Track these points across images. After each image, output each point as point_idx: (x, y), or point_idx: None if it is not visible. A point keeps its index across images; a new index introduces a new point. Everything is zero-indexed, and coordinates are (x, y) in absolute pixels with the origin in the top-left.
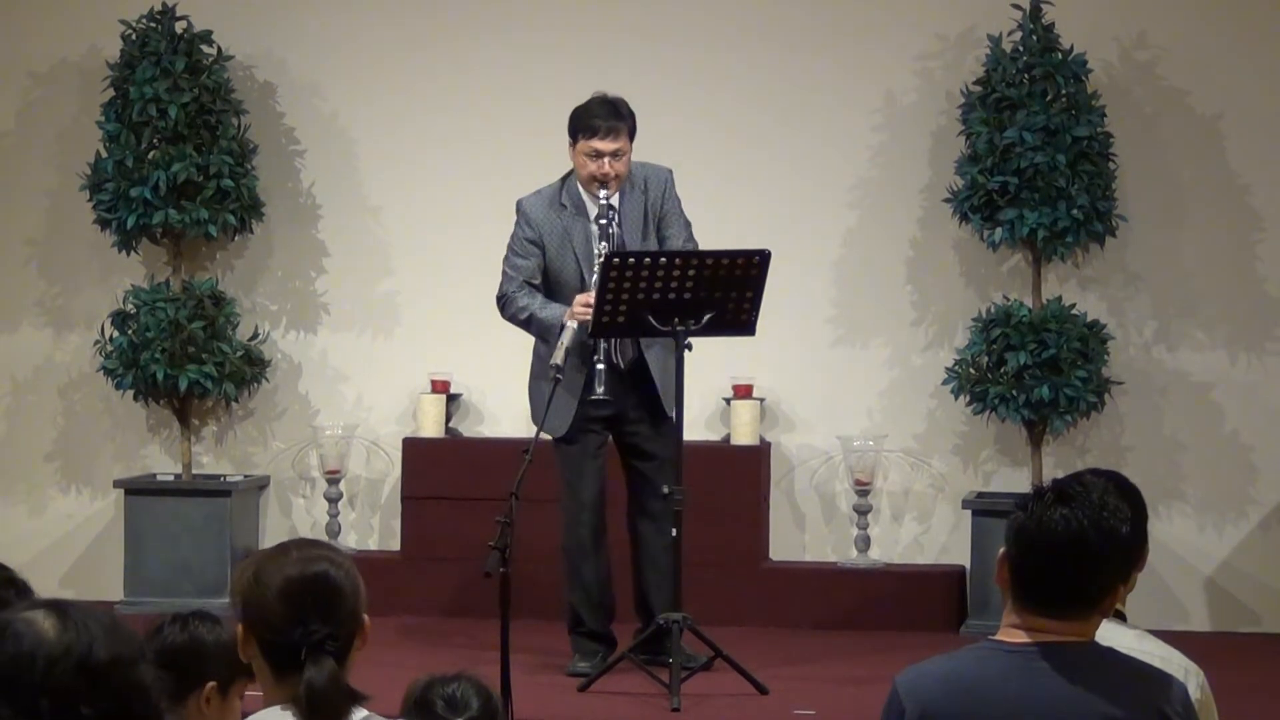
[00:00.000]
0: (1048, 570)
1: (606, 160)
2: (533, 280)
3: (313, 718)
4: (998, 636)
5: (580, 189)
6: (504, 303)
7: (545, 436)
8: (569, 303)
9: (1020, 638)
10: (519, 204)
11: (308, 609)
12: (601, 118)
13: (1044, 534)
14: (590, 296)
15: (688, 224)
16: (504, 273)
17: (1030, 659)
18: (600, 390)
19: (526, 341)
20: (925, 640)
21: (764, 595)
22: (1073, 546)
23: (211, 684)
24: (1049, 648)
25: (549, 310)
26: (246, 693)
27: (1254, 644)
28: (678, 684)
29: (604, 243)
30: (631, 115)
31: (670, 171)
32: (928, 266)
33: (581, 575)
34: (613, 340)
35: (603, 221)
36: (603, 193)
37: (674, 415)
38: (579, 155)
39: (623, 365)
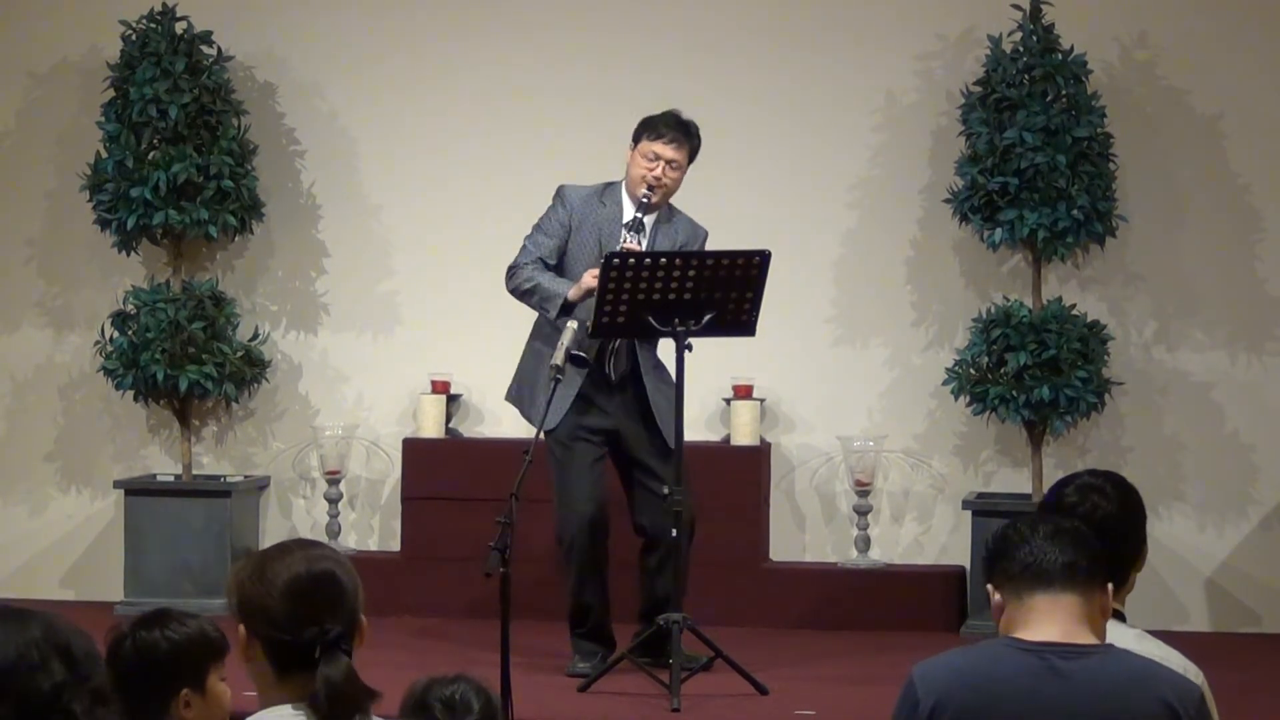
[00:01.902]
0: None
1: (662, 165)
2: (548, 260)
3: (333, 715)
4: (1015, 634)
5: (623, 194)
6: (512, 272)
7: (545, 438)
8: None
9: (1034, 635)
10: (561, 187)
11: (318, 607)
12: (670, 126)
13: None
14: None
15: None
16: (523, 246)
17: (1045, 658)
18: (588, 355)
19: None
20: (925, 640)
21: (764, 595)
22: (1058, 535)
23: (185, 690)
24: (1064, 647)
25: (557, 283)
26: (244, 693)
27: (1254, 644)
28: (678, 684)
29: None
30: (699, 139)
31: (707, 233)
32: (928, 266)
33: (582, 577)
34: (609, 352)
35: (636, 215)
36: (644, 190)
37: (673, 446)
38: (637, 155)
39: (614, 377)
